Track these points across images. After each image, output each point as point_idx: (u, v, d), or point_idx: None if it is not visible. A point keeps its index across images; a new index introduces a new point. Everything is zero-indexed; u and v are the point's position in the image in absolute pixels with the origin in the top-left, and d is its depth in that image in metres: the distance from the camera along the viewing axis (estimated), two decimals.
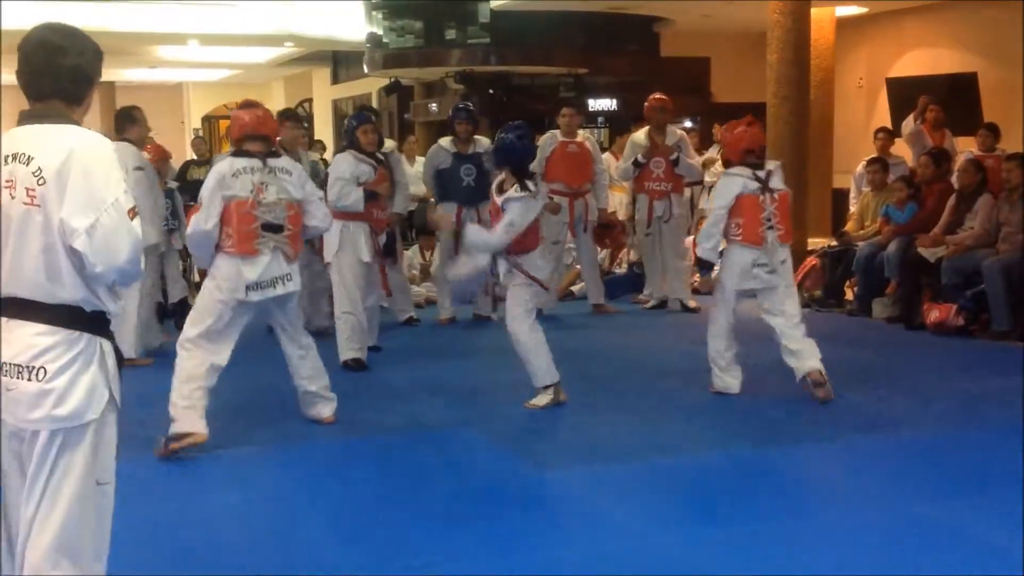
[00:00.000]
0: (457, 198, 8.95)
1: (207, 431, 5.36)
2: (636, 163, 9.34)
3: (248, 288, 5.41)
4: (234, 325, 5.50)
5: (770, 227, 6.28)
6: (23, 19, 14.84)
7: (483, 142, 9.27)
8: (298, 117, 9.27)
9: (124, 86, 25.51)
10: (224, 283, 5.43)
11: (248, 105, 5.88)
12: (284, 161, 5.72)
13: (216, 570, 3.94)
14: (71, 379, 2.79)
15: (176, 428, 5.32)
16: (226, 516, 4.54)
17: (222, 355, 5.47)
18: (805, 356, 6.31)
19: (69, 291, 2.79)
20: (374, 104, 17.62)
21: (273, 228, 5.46)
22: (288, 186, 5.54)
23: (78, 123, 2.88)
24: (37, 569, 2.82)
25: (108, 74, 24.20)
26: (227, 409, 6.26)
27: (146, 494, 4.80)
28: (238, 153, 5.56)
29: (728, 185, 6.34)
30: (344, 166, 7.26)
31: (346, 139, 7.58)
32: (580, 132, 9.69)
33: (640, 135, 9.48)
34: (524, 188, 5.99)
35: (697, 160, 9.96)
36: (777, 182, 6.39)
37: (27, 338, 2.77)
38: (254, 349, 7.89)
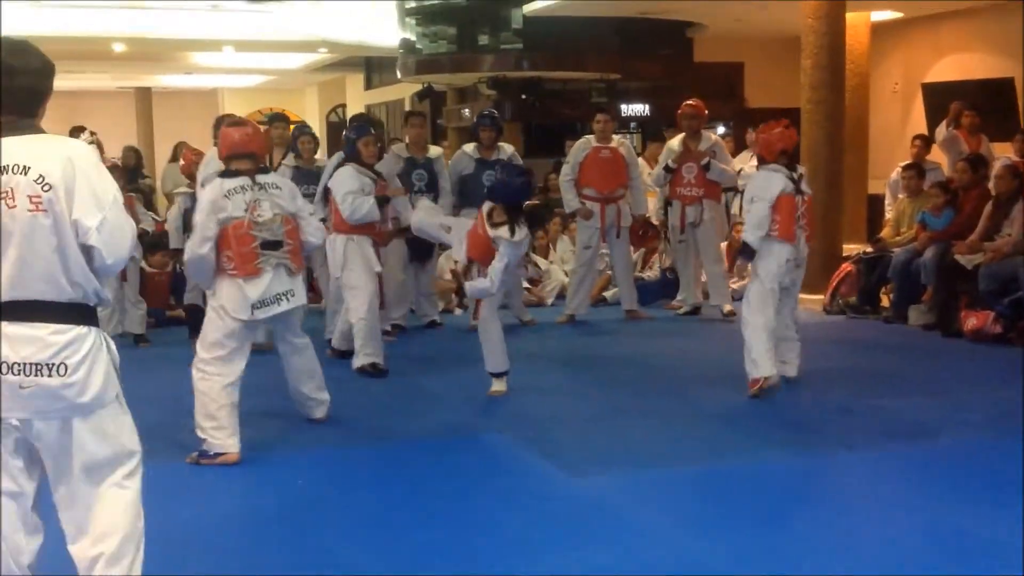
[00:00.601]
0: (479, 204, 8.95)
1: (239, 448, 5.35)
2: (667, 168, 9.32)
3: (253, 307, 5.41)
4: (244, 343, 5.52)
5: (800, 226, 6.52)
6: (61, 24, 15.06)
7: (507, 149, 9.31)
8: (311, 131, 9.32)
9: (160, 91, 25.76)
10: (228, 305, 5.40)
11: (236, 123, 5.88)
12: (273, 177, 5.72)
13: (244, 570, 3.96)
14: (88, 369, 3.06)
15: (208, 447, 5.34)
16: (255, 519, 4.57)
17: (236, 371, 5.46)
18: (788, 361, 6.83)
19: (80, 286, 3.04)
20: (407, 108, 17.67)
21: (272, 245, 5.44)
22: (280, 201, 5.51)
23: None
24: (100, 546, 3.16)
25: (145, 80, 24.49)
26: (257, 413, 6.30)
27: (179, 494, 4.84)
28: (226, 173, 5.53)
29: (771, 180, 6.50)
30: (348, 180, 7.24)
31: (347, 152, 7.51)
32: (615, 138, 9.68)
33: (675, 141, 9.47)
34: (513, 233, 6.27)
35: (732, 165, 9.89)
36: (805, 185, 6.67)
37: (43, 338, 2.99)
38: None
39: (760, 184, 6.57)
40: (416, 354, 8.06)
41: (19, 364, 2.97)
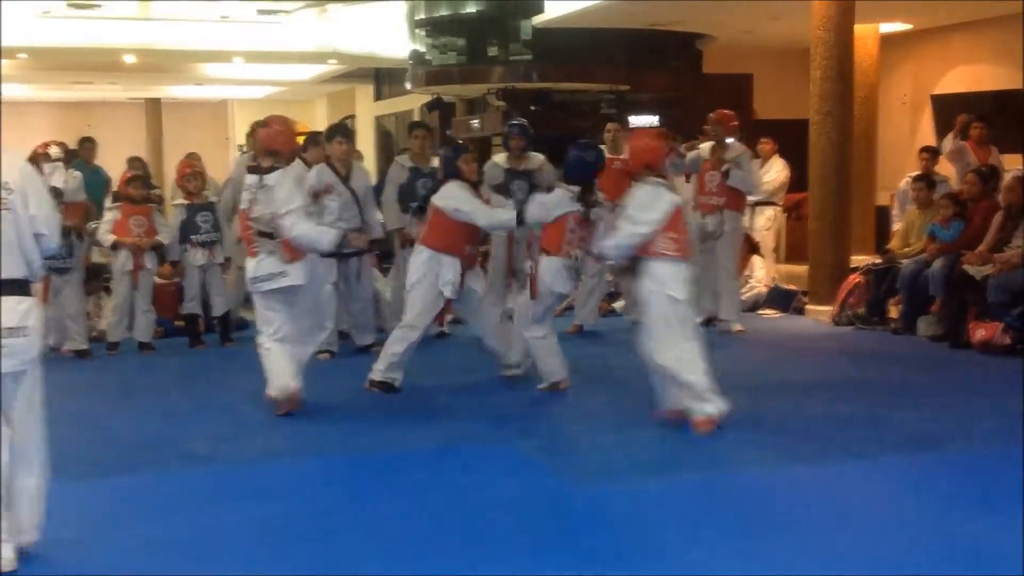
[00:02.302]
0: None
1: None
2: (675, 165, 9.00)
3: (252, 282, 6.49)
4: (272, 310, 6.47)
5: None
6: (72, 36, 15.15)
7: (537, 158, 9.28)
8: (347, 131, 9.33)
9: (170, 102, 25.85)
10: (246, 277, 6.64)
11: (263, 123, 6.89)
12: (277, 177, 6.38)
13: None
14: (36, 331, 4.05)
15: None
16: (264, 527, 4.56)
17: (282, 332, 6.45)
18: None
19: (33, 265, 4.08)
20: (416, 119, 17.72)
21: (266, 235, 6.38)
22: (272, 201, 6.29)
23: None
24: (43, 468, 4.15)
25: (154, 91, 24.57)
26: (265, 422, 6.33)
27: (189, 503, 4.85)
28: (251, 169, 6.60)
29: (662, 196, 6.00)
30: (464, 193, 7.17)
31: (447, 171, 7.42)
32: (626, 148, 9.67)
33: (705, 147, 9.36)
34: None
35: (757, 174, 9.80)
36: None
37: (15, 307, 3.96)
38: (309, 367, 7.95)
39: (650, 201, 5.99)
40: (425, 363, 8.06)
41: (8, 328, 3.93)
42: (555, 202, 6.87)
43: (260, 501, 4.93)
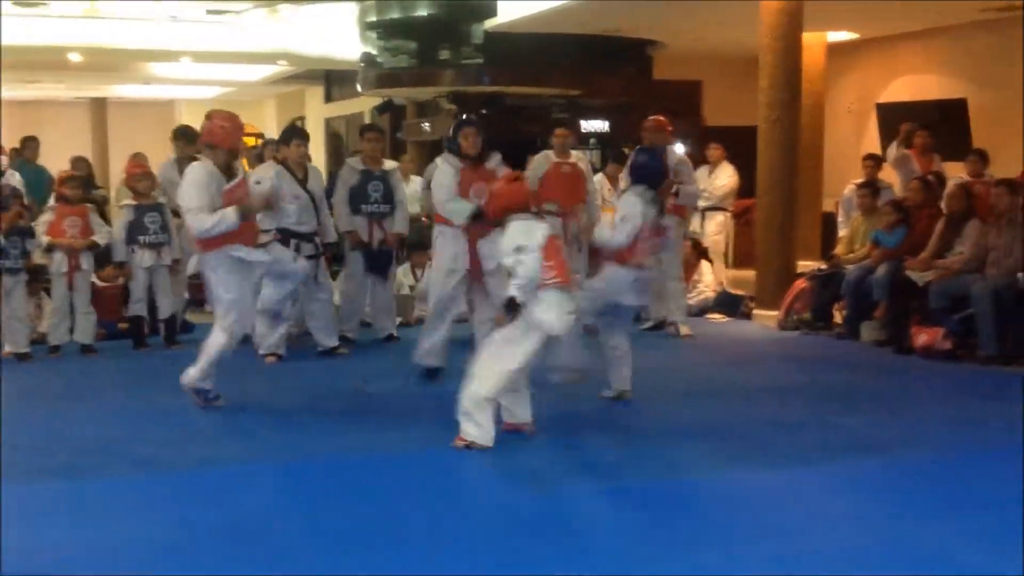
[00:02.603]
0: None
1: None
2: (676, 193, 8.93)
3: None
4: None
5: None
6: (17, 34, 14.91)
7: (494, 157, 9.27)
8: (304, 134, 9.31)
9: (116, 102, 25.53)
10: None
11: (208, 116, 6.75)
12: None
13: None
14: None
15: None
16: (210, 532, 4.52)
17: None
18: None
19: None
20: (367, 121, 17.66)
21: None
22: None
23: None
24: None
25: (100, 90, 24.25)
26: (212, 426, 6.26)
27: (139, 507, 4.80)
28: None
29: (533, 229, 5.77)
30: (443, 170, 7.19)
31: (447, 145, 7.41)
32: (573, 153, 9.70)
33: None
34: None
35: (696, 183, 9.85)
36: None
37: None
38: (246, 367, 7.90)
39: (520, 233, 5.76)
40: (383, 367, 8.03)
41: None
42: (633, 211, 6.61)
43: (206, 506, 4.87)
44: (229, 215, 6.43)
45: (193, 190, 6.45)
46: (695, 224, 11.28)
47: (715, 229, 11.44)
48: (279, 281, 7.20)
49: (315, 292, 8.55)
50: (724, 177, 11.37)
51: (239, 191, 6.61)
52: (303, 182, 8.39)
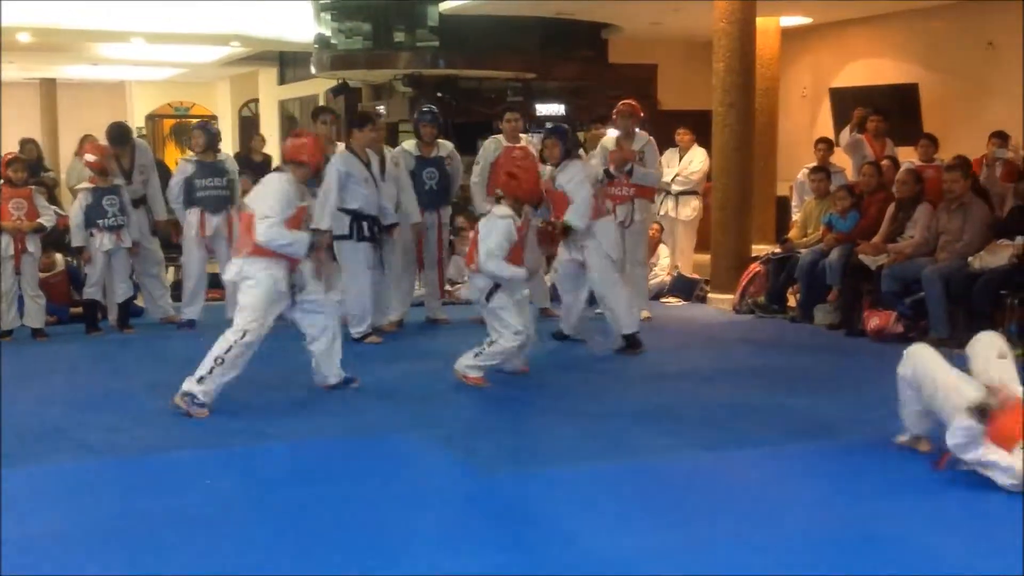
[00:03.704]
0: (421, 202, 8.93)
1: None
2: (607, 174, 8.88)
3: None
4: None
5: None
6: None
7: (446, 146, 9.26)
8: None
9: (66, 83, 25.14)
10: None
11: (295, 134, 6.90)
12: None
13: (154, 570, 3.89)
14: None
15: None
16: (162, 519, 4.48)
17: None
18: None
19: None
20: (322, 104, 17.52)
21: None
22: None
23: None
24: None
25: (50, 71, 23.85)
26: (165, 412, 6.20)
27: (87, 492, 4.75)
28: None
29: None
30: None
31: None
32: (523, 137, 9.65)
33: (609, 140, 9.34)
34: None
35: (659, 167, 9.81)
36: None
37: None
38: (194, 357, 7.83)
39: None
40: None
41: None
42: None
43: (158, 493, 4.83)
44: (303, 241, 6.39)
45: (274, 200, 6.34)
46: (669, 208, 11.26)
47: (690, 213, 11.44)
48: (309, 316, 6.74)
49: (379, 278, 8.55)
50: (698, 162, 11.36)
51: (305, 211, 6.65)
52: (368, 165, 8.29)
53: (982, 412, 4.75)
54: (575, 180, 7.76)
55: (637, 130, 9.19)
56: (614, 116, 9.27)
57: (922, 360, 5.25)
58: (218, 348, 6.23)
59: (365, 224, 8.25)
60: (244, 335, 6.24)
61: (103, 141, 9.28)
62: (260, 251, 6.30)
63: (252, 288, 6.32)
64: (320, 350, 6.69)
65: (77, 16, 15.81)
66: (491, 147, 9.34)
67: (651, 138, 9.36)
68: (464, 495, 4.86)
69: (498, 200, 7.11)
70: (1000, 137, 9.43)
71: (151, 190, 9.34)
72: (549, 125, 8.61)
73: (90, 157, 8.75)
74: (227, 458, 5.41)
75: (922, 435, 5.36)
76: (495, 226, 6.81)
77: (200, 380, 6.17)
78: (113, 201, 8.66)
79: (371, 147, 8.46)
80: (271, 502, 4.72)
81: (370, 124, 8.49)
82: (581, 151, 9.13)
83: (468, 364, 6.84)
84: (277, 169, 6.72)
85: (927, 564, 3.97)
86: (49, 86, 24.87)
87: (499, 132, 9.62)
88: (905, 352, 5.44)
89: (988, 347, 5.23)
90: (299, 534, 4.30)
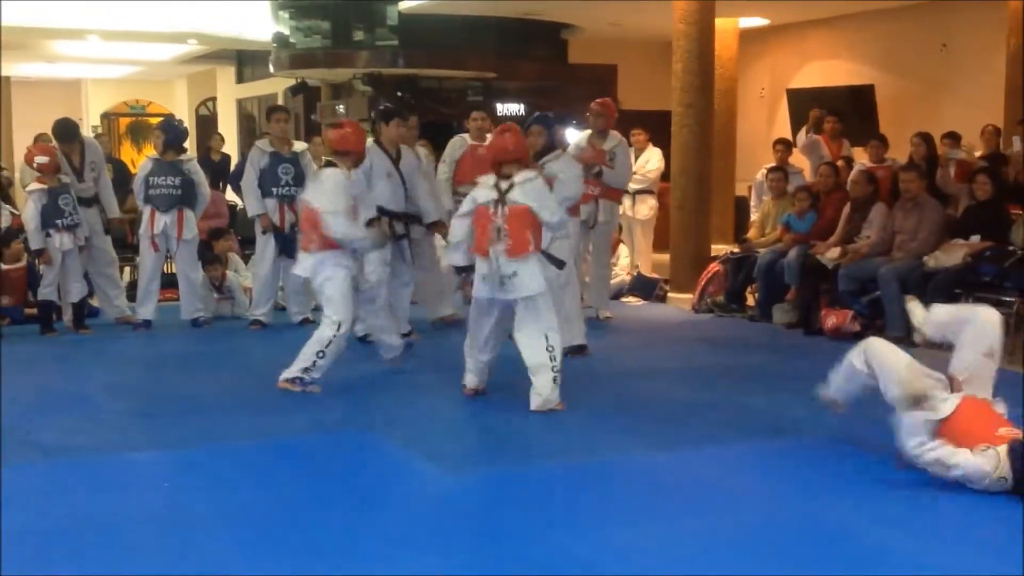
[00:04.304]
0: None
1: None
2: (597, 174, 8.85)
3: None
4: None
5: (497, 239, 6.15)
6: None
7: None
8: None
9: (20, 81, 24.77)
10: None
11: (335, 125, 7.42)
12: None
13: (112, 571, 3.86)
14: None
15: None
16: (123, 519, 4.43)
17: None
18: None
19: None
20: (280, 103, 17.41)
21: None
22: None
23: None
24: None
25: (3, 68, 23.48)
26: (121, 413, 6.15)
27: (42, 494, 4.69)
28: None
29: (475, 191, 6.43)
30: None
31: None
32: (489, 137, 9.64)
33: (582, 139, 9.30)
34: None
35: (630, 165, 9.81)
36: (518, 194, 6.17)
37: None
38: (166, 355, 7.77)
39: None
40: (285, 352, 7.94)
41: None
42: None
43: (114, 495, 4.78)
44: (368, 239, 6.85)
45: (334, 195, 6.67)
46: (626, 207, 11.31)
47: (647, 212, 11.50)
48: (365, 304, 7.15)
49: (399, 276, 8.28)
50: (654, 161, 11.44)
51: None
52: (396, 161, 8.15)
53: (917, 401, 4.81)
54: (571, 173, 7.42)
55: (611, 131, 9.16)
56: (587, 115, 9.24)
57: (875, 350, 5.29)
58: (317, 343, 6.60)
59: (386, 221, 8.01)
60: (339, 327, 6.60)
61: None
62: (330, 244, 6.65)
63: (332, 282, 6.68)
64: (378, 326, 7.26)
65: (32, 13, 15.58)
66: (457, 144, 9.36)
67: (623, 138, 9.36)
68: (426, 494, 4.84)
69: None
70: (952, 138, 9.55)
71: (102, 188, 9.22)
72: (537, 113, 8.50)
73: (41, 159, 8.58)
74: (186, 459, 5.36)
75: (841, 401, 5.52)
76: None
77: (305, 371, 6.61)
78: (67, 200, 8.55)
79: (403, 143, 8.27)
80: (231, 503, 4.68)
81: (397, 118, 8.24)
82: None
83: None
84: (329, 163, 6.92)
85: (884, 560, 4.01)
86: (3, 84, 24.50)
87: (460, 132, 9.63)
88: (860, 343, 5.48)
89: (981, 337, 5.08)
90: (260, 535, 4.27)
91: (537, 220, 6.16)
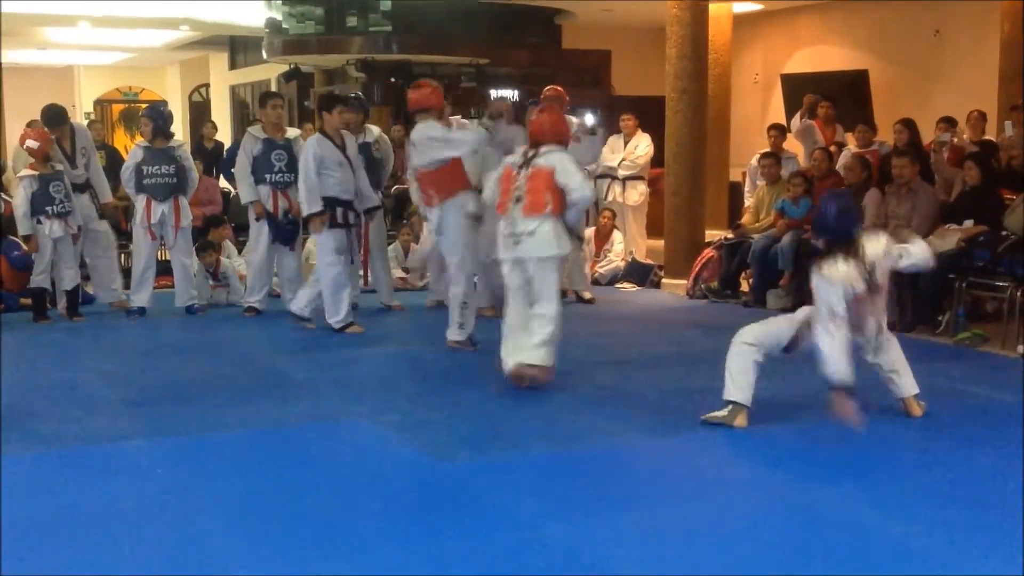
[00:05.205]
0: None
1: None
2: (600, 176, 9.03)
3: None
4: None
5: (517, 199, 6.32)
6: None
7: (373, 131, 9.26)
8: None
9: (11, 68, 24.62)
10: None
11: (416, 85, 7.72)
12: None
13: (109, 566, 3.85)
14: None
15: None
16: (118, 509, 4.43)
17: None
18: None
19: None
20: (273, 89, 17.36)
21: None
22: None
23: None
24: None
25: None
26: (115, 401, 6.14)
27: (35, 482, 4.69)
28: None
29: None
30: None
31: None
32: (464, 122, 9.60)
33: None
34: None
35: (595, 149, 9.81)
36: (544, 159, 6.31)
37: None
38: (160, 343, 7.77)
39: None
40: (279, 339, 7.95)
41: None
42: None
43: (106, 483, 4.78)
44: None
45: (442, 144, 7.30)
46: (616, 193, 11.33)
47: (638, 198, 11.51)
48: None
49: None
50: (644, 147, 11.44)
51: None
52: (342, 148, 8.19)
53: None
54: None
55: (569, 116, 9.17)
56: (540, 100, 9.22)
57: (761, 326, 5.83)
58: (456, 298, 7.39)
59: (340, 211, 8.14)
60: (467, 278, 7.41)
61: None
62: (449, 191, 7.33)
63: (451, 231, 7.37)
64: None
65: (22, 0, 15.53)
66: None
67: (581, 122, 9.62)
68: (416, 481, 4.85)
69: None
70: (948, 122, 9.55)
71: (93, 172, 9.21)
72: (532, 100, 8.59)
73: (32, 143, 8.58)
74: (179, 447, 5.36)
75: (744, 404, 5.57)
76: None
77: (461, 327, 7.34)
78: (59, 187, 8.53)
79: (346, 130, 8.40)
80: (225, 491, 4.68)
81: (339, 106, 8.35)
82: None
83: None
84: (412, 122, 7.46)
85: (870, 543, 4.02)
86: None
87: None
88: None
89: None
90: (253, 523, 4.27)
91: (558, 185, 6.25)
